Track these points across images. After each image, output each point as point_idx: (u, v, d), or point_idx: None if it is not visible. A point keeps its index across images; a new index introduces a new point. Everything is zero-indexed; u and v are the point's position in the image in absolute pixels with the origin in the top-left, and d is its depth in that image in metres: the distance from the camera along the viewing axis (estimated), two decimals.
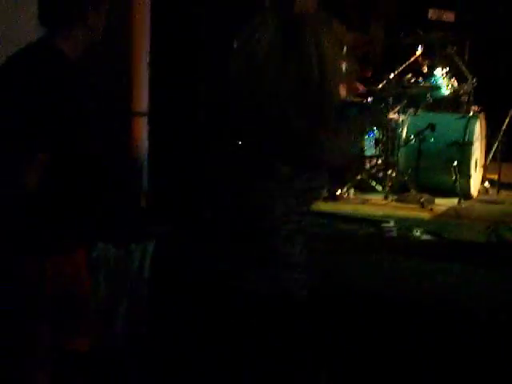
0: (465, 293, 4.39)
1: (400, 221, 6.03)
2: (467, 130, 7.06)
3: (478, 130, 7.24)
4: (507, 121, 7.45)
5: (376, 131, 6.91)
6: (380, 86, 7.29)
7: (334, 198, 6.79)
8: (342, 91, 7.23)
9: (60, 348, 3.21)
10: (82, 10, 3.41)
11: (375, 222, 5.93)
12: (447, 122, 7.20)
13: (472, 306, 4.14)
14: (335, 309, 4.05)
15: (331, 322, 3.89)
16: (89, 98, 3.47)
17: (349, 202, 6.86)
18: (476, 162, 7.25)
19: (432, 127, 6.97)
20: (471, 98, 7.57)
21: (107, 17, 3.50)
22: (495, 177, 7.63)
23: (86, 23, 3.42)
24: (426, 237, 5.68)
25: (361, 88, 7.49)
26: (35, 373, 3.21)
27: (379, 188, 7.11)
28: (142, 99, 5.91)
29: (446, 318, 3.99)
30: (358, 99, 7.20)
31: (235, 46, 2.47)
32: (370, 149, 6.98)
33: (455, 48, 7.92)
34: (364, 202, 6.91)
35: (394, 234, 5.67)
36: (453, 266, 4.83)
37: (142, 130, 5.93)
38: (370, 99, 7.06)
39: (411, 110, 7.32)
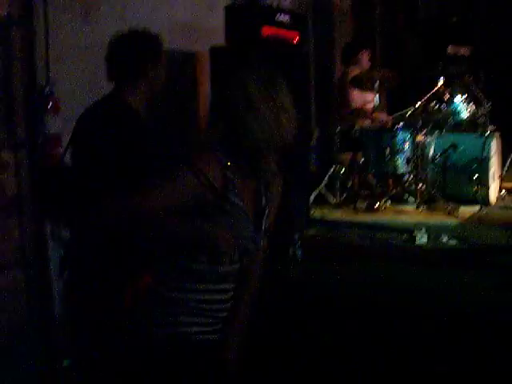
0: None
1: (430, 227, 5.74)
2: (485, 146, 6.78)
3: (494, 146, 6.94)
4: None
5: (408, 151, 6.64)
6: (409, 113, 7.01)
7: (372, 210, 6.53)
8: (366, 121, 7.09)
9: None
10: (144, 66, 3.26)
11: (408, 230, 5.63)
12: (467, 141, 6.90)
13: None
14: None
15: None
16: (155, 144, 3.26)
17: (386, 212, 6.57)
18: (493, 174, 6.93)
19: (454, 146, 6.78)
20: (487, 119, 7.24)
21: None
22: (510, 185, 7.36)
23: (147, 77, 3.27)
24: (452, 241, 5.38)
25: (385, 118, 7.27)
26: None
27: (411, 200, 6.82)
28: None
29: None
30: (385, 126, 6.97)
31: None
32: (402, 167, 6.68)
33: (471, 77, 7.63)
34: (399, 212, 6.62)
35: (425, 240, 5.39)
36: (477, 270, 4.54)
37: None
38: (401, 124, 6.79)
39: (436, 132, 7.05)
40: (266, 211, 2.40)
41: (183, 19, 5.84)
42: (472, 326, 3.57)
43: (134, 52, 3.29)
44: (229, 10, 5.50)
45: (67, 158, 3.61)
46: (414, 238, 5.41)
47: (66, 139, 4.14)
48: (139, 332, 2.30)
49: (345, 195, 7.02)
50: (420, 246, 5.30)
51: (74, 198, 3.02)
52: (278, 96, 2.34)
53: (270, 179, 2.39)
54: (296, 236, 4.87)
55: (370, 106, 7.28)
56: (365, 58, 7.38)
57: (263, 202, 2.39)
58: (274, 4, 6.78)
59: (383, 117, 7.32)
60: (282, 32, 5.56)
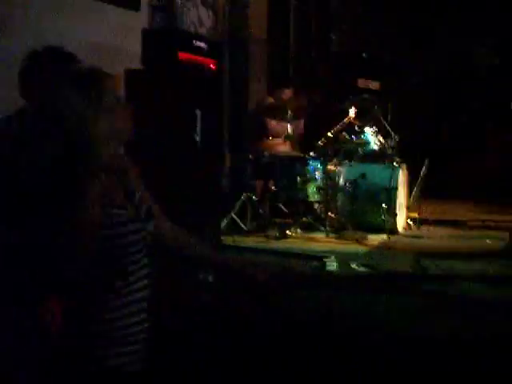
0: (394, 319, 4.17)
1: (339, 254, 5.84)
2: (392, 177, 6.98)
3: (401, 177, 7.16)
4: (423, 169, 7.44)
5: (319, 180, 6.75)
6: (320, 142, 7.15)
7: (283, 237, 6.59)
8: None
9: None
10: None
11: (318, 257, 5.70)
12: (376, 172, 7.11)
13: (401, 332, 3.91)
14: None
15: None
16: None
17: (297, 239, 6.63)
18: (400, 204, 7.12)
19: (363, 176, 6.95)
20: (395, 152, 7.46)
21: None
22: (416, 215, 7.54)
23: None
24: (361, 268, 5.47)
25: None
26: None
27: (322, 228, 6.88)
28: None
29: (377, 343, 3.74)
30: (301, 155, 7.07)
31: None
32: (313, 195, 6.79)
33: (380, 110, 7.86)
34: (309, 239, 6.68)
35: (334, 267, 5.47)
36: (384, 296, 4.65)
37: None
38: (312, 153, 6.92)
39: (346, 162, 7.21)
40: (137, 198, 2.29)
41: (99, 40, 5.79)
42: (375, 346, 3.63)
43: (46, 70, 3.24)
44: (146, 33, 5.49)
45: None
46: (324, 265, 5.47)
47: None
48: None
49: (256, 222, 7.05)
50: (330, 273, 5.36)
51: None
52: None
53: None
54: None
55: (281, 133, 7.39)
56: (285, 96, 7.49)
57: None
58: (192, 30, 6.84)
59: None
60: (199, 58, 5.58)
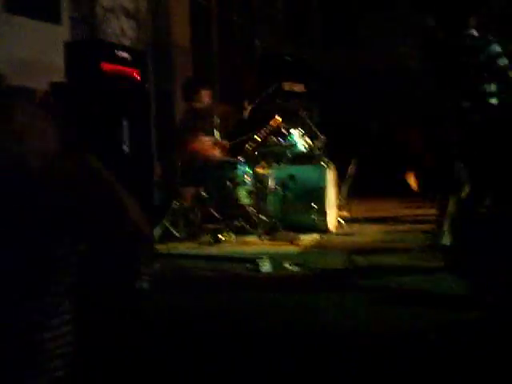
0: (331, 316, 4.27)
1: (273, 256, 5.90)
2: (320, 177, 7.12)
3: (330, 176, 7.29)
4: (351, 168, 7.60)
5: (249, 183, 6.83)
6: (248, 146, 7.24)
7: (216, 242, 6.65)
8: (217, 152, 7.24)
9: None
10: None
11: (252, 260, 5.77)
12: (304, 172, 7.24)
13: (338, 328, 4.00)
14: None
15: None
16: None
17: (230, 244, 6.69)
18: (330, 203, 7.25)
19: (292, 177, 7.08)
20: (322, 152, 7.61)
21: None
22: (346, 214, 7.75)
23: None
24: (294, 268, 5.56)
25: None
26: None
27: (254, 231, 6.96)
28: None
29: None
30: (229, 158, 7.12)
31: None
32: (244, 198, 6.88)
33: (306, 112, 8.00)
34: (242, 243, 6.75)
35: (268, 268, 5.54)
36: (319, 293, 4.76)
37: None
38: (240, 158, 6.99)
39: (275, 165, 7.33)
40: None
41: (22, 55, 5.77)
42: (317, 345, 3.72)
43: None
44: (68, 45, 5.50)
45: None
46: (257, 267, 5.54)
47: None
48: None
49: (189, 229, 7.07)
50: (264, 274, 5.43)
51: None
52: None
53: None
54: (141, 270, 4.88)
55: (209, 138, 7.44)
56: (205, 96, 7.49)
57: None
58: (116, 40, 6.85)
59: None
60: (122, 68, 5.62)
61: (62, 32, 6.42)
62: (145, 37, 8.34)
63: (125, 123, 5.25)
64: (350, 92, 10.22)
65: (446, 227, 5.85)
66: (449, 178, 5.74)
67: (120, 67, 5.55)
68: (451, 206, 5.73)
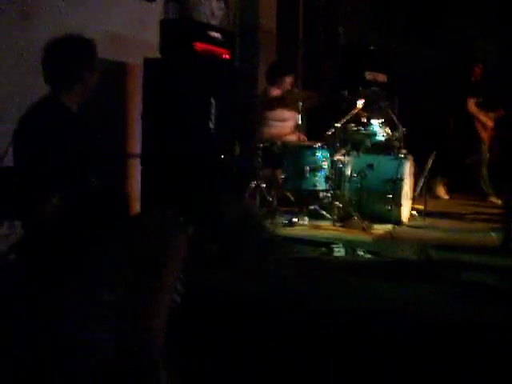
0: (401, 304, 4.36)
1: (346, 242, 6.02)
2: (399, 168, 7.15)
3: (408, 168, 7.32)
4: (429, 162, 7.58)
5: (326, 169, 6.91)
6: (329, 133, 7.33)
7: (291, 225, 6.77)
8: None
9: None
10: (78, 70, 3.41)
11: (326, 244, 5.90)
12: (383, 163, 7.28)
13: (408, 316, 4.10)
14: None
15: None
16: (88, 139, 3.44)
17: (304, 228, 6.82)
18: (406, 195, 7.29)
19: (371, 166, 7.13)
20: (401, 143, 7.64)
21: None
22: (421, 207, 7.76)
23: (81, 80, 3.42)
24: (367, 256, 5.66)
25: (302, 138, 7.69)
26: None
27: (328, 216, 7.08)
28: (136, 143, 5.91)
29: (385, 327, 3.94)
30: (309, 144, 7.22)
31: None
32: (321, 184, 6.94)
33: (387, 103, 8.04)
34: (316, 227, 6.88)
35: (342, 253, 5.66)
36: (388, 282, 4.86)
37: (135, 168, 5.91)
38: (319, 144, 7.06)
39: (354, 153, 7.39)
40: None
41: (117, 30, 5.99)
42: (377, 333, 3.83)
43: (68, 56, 3.45)
44: (163, 24, 5.69)
45: (8, 158, 3.71)
46: (331, 251, 5.66)
47: (1, 140, 4.24)
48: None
49: (264, 210, 7.22)
50: (337, 258, 5.56)
51: (21, 194, 3.14)
52: None
53: None
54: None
55: (289, 123, 7.57)
56: (288, 82, 7.64)
57: None
58: (205, 20, 7.03)
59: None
60: (213, 48, 5.79)
61: (155, 10, 6.62)
62: (233, 18, 8.49)
63: (213, 101, 5.42)
64: (432, 84, 10.13)
65: None
66: None
67: (211, 47, 5.72)
68: None
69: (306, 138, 7.69)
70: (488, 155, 9.13)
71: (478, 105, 9.00)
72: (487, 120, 8.98)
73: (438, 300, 4.42)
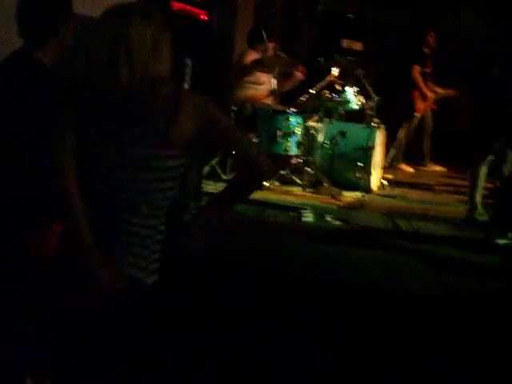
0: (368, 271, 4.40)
1: (315, 208, 6.06)
2: (370, 137, 7.16)
3: (379, 138, 7.33)
4: (401, 131, 7.61)
5: (298, 135, 6.88)
6: (302, 98, 7.29)
7: (260, 188, 6.75)
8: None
9: None
10: (54, 24, 3.32)
11: (295, 208, 5.91)
12: (355, 131, 7.28)
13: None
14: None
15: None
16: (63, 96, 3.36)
17: (273, 192, 6.81)
18: (377, 164, 7.32)
19: (343, 134, 7.13)
20: (374, 112, 7.64)
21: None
22: (390, 176, 7.83)
23: (57, 36, 3.33)
24: (335, 222, 5.68)
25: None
26: None
27: (299, 181, 7.08)
28: None
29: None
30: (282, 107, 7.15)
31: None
32: (292, 149, 6.91)
33: (363, 71, 8.01)
34: (286, 192, 6.88)
35: (310, 218, 5.68)
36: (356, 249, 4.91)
37: None
38: (292, 109, 7.01)
39: (327, 120, 7.37)
40: None
41: None
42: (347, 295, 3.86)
43: (42, 6, 3.35)
44: None
45: None
46: (300, 216, 5.67)
47: None
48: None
49: (235, 173, 7.15)
50: (306, 223, 5.57)
51: None
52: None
53: None
54: (190, 204, 5.05)
55: (265, 87, 7.51)
56: (271, 47, 7.54)
57: None
58: None
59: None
60: (191, 8, 5.71)
61: None
62: None
63: (189, 62, 5.35)
64: (407, 54, 10.06)
65: (478, 199, 5.92)
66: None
67: (188, 7, 5.65)
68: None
69: (278, 104, 7.60)
70: (431, 125, 9.12)
71: (423, 74, 8.93)
72: (428, 91, 8.90)
73: (404, 271, 4.47)
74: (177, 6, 5.54)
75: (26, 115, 3.09)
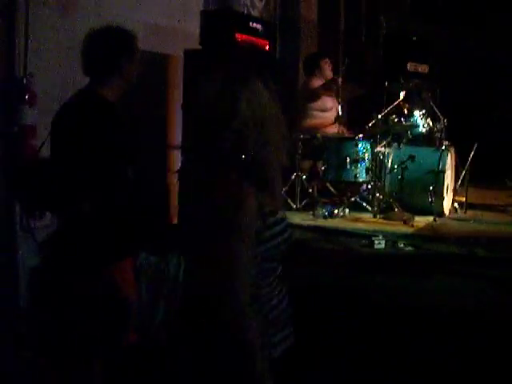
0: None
1: (387, 235, 5.89)
2: (440, 160, 6.99)
3: (449, 160, 7.16)
4: (472, 153, 7.39)
5: (368, 161, 6.77)
6: (370, 124, 7.17)
7: (331, 216, 6.65)
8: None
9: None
10: (118, 61, 3.32)
11: (367, 236, 5.78)
12: (424, 154, 7.11)
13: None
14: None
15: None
16: (127, 131, 3.36)
17: (344, 219, 6.70)
18: (447, 187, 7.15)
19: (412, 158, 6.95)
20: (443, 135, 7.46)
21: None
22: (463, 199, 7.55)
23: (121, 72, 3.33)
24: (408, 248, 5.53)
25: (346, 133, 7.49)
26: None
27: (369, 208, 6.94)
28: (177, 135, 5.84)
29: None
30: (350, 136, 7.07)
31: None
32: (361, 175, 6.81)
33: (429, 94, 7.86)
34: (357, 219, 6.75)
35: (383, 245, 5.53)
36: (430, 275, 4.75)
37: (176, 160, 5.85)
38: (361, 135, 6.91)
39: (395, 144, 7.24)
40: None
41: (158, 21, 5.91)
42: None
43: (108, 47, 3.36)
44: (204, 14, 5.59)
45: (44, 150, 3.66)
46: (372, 243, 5.53)
47: (41, 131, 4.19)
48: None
49: (305, 201, 7.10)
50: (378, 251, 5.43)
51: (56, 188, 3.08)
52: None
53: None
54: None
55: (331, 113, 7.43)
56: (327, 68, 7.48)
57: None
58: (246, 11, 6.91)
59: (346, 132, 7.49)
60: (254, 39, 5.68)
61: (196, 1, 6.52)
62: (272, 9, 8.36)
63: None
64: (474, 77, 9.89)
65: None
66: None
67: (252, 38, 5.62)
68: None
69: (345, 130, 7.52)
70: None
71: None
72: None
73: (481, 301, 4.28)
74: (240, 37, 5.52)
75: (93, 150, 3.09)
